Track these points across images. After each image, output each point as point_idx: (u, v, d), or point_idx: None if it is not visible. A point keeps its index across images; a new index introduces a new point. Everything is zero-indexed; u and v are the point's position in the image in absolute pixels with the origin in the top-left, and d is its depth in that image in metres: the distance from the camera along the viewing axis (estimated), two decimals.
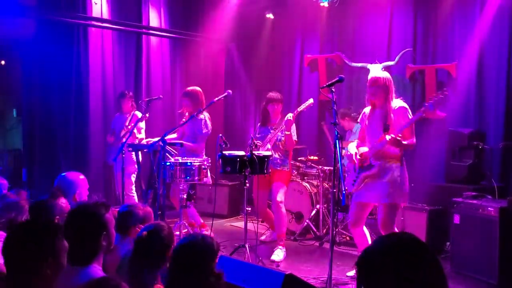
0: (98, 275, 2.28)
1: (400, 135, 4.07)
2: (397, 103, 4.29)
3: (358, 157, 4.34)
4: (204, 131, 5.64)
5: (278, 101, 5.51)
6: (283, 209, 5.44)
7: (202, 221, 5.85)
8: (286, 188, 5.56)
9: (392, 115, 4.22)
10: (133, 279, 2.52)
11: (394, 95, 4.31)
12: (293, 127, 5.44)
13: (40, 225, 2.10)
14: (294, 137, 5.43)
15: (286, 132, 5.29)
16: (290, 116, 5.20)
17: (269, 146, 5.36)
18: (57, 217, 3.00)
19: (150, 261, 2.57)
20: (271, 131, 5.41)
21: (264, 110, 5.61)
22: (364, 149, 4.39)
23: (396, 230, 4.32)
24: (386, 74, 4.38)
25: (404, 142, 4.12)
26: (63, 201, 3.08)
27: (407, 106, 4.30)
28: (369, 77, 4.41)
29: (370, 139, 4.36)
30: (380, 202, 4.21)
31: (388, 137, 4.06)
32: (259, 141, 5.32)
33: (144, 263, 2.56)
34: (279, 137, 5.37)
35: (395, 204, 4.22)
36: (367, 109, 4.47)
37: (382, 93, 4.25)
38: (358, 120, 4.69)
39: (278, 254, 5.26)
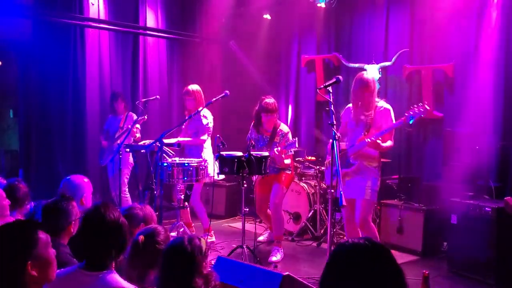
0: (119, 282, 2.26)
1: (380, 138, 4.15)
2: (382, 103, 4.38)
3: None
4: (205, 123, 5.69)
5: (272, 111, 5.29)
6: (281, 211, 5.47)
7: (209, 224, 5.79)
8: (286, 190, 5.57)
9: (375, 116, 4.30)
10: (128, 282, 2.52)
11: (376, 95, 4.41)
12: (289, 136, 5.37)
13: (23, 226, 2.04)
14: (289, 153, 5.26)
15: (277, 166, 5.23)
16: (276, 151, 5.04)
17: None
18: (73, 221, 2.97)
19: (147, 265, 2.56)
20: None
21: (258, 116, 5.40)
22: (343, 145, 4.49)
23: (372, 224, 4.50)
24: (373, 76, 4.45)
25: (383, 145, 4.25)
26: (74, 205, 3.05)
27: (391, 108, 4.40)
28: (356, 77, 4.43)
29: (351, 137, 4.45)
30: (359, 198, 4.36)
31: (368, 140, 4.14)
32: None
33: (139, 266, 2.55)
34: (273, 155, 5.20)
35: (372, 201, 4.44)
36: (351, 105, 4.55)
37: (369, 96, 4.34)
38: (341, 115, 4.74)
39: (276, 255, 5.26)
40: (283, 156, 5.13)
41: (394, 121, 4.34)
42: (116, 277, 2.29)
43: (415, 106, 4.23)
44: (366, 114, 4.34)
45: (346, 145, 4.50)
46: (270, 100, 5.33)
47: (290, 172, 5.52)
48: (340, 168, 4.31)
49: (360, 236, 4.61)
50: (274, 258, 5.22)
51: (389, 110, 4.34)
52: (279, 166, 5.33)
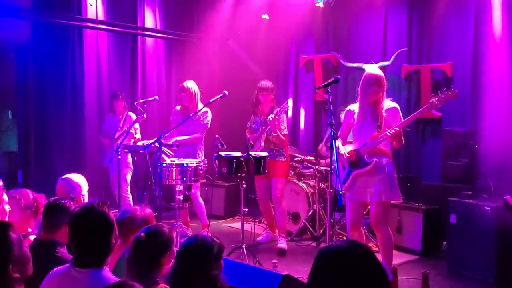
0: (111, 278, 2.26)
1: (396, 128, 4.11)
2: (389, 102, 4.35)
3: (347, 155, 4.35)
4: (205, 122, 5.78)
5: (269, 90, 5.53)
6: (284, 204, 5.62)
7: (207, 221, 5.91)
8: (285, 181, 5.65)
9: (384, 114, 4.26)
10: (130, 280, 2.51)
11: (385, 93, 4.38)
12: (284, 120, 5.44)
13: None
14: (284, 131, 5.45)
15: (273, 134, 5.29)
16: (271, 117, 5.16)
17: (263, 144, 5.40)
18: None
19: (147, 263, 2.55)
20: (260, 129, 5.43)
21: (256, 99, 5.63)
22: (349, 147, 4.41)
23: (389, 228, 4.37)
24: (383, 73, 4.42)
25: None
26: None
27: (398, 106, 4.36)
28: (370, 74, 4.34)
29: (360, 136, 4.35)
30: (374, 200, 4.24)
31: (389, 132, 4.09)
32: (251, 142, 5.33)
33: (141, 265, 2.54)
34: (269, 133, 5.36)
35: (388, 202, 4.31)
36: (353, 106, 4.46)
37: (381, 93, 4.29)
38: (342, 117, 4.72)
39: (283, 243, 5.46)
40: (275, 134, 5.26)
41: (402, 119, 4.26)
42: (107, 274, 2.31)
43: (440, 91, 4.14)
44: (376, 111, 4.28)
45: (356, 145, 4.36)
46: (266, 81, 5.62)
47: (285, 159, 5.56)
48: (352, 170, 4.32)
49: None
50: (281, 245, 5.43)
51: (396, 108, 4.31)
52: (273, 146, 5.42)
